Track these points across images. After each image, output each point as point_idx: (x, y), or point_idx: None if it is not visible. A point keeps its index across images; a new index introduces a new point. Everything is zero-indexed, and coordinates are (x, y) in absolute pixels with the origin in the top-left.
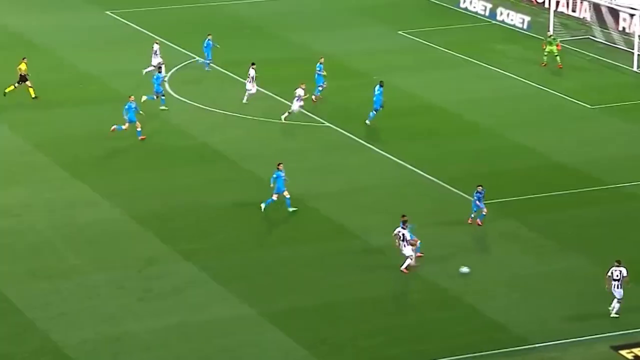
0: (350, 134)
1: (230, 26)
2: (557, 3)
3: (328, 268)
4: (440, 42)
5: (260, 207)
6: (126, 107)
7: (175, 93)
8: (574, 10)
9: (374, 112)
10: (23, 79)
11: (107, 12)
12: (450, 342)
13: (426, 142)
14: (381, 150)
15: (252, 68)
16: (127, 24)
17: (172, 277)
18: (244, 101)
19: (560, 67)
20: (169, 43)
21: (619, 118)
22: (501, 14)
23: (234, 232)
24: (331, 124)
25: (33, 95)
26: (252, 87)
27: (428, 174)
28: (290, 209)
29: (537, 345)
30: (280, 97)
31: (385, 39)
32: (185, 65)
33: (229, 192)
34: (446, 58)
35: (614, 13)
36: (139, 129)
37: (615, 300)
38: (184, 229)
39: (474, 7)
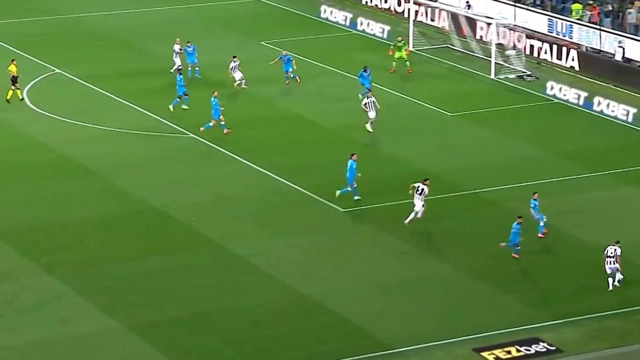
0: (214, 144)
1: (88, 38)
2: (416, 12)
3: (193, 278)
4: (301, 52)
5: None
6: (213, 103)
7: (34, 106)
8: (432, 20)
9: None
10: (14, 80)
11: None
12: (315, 349)
13: (289, 152)
14: (245, 160)
15: (234, 60)
16: None
17: (34, 291)
18: (240, 85)
19: (410, 72)
20: (27, 55)
21: (478, 125)
22: (361, 23)
23: (97, 245)
24: (195, 134)
25: (20, 97)
26: (239, 74)
27: (292, 183)
28: (356, 198)
29: (400, 349)
30: (143, 108)
31: (247, 49)
32: (43, 77)
33: (91, 205)
34: (307, 67)
35: (472, 22)
36: (222, 123)
37: (615, 271)
38: (46, 242)
39: (335, 17)
